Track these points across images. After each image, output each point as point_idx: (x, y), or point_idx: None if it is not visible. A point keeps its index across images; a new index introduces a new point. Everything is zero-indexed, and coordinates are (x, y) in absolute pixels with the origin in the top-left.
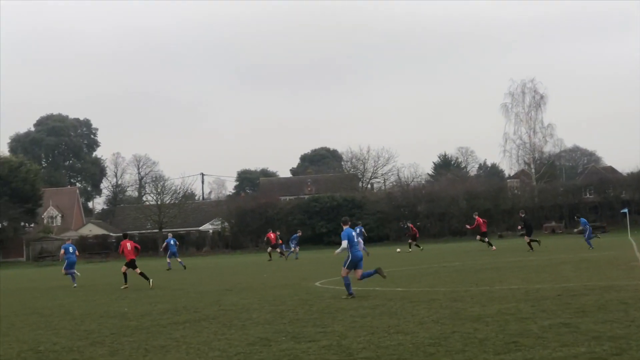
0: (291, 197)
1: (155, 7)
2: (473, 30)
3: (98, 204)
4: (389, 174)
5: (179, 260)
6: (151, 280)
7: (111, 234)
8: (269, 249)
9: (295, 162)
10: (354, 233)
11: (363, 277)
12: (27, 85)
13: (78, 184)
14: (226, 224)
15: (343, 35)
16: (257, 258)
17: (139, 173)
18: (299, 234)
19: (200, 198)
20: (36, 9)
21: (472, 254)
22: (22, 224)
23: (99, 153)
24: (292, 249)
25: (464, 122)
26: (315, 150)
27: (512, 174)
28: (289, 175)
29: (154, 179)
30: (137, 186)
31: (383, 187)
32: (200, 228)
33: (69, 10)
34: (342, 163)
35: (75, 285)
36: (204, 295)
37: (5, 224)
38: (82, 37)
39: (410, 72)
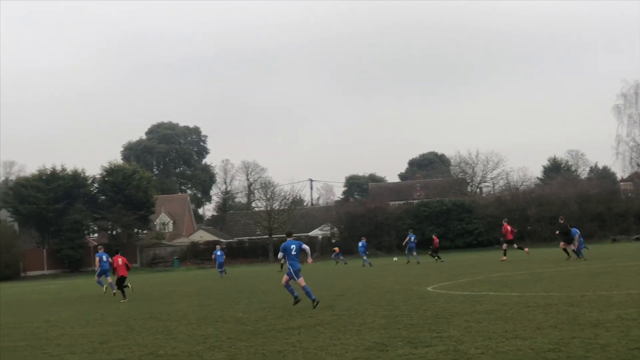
0: (400, 202)
1: (262, 13)
2: (581, 30)
3: (208, 210)
4: (498, 177)
5: (220, 270)
6: (126, 299)
7: (222, 240)
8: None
9: (403, 167)
10: (292, 246)
11: (304, 289)
12: (138, 94)
13: (188, 191)
14: (335, 229)
15: (450, 38)
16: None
17: (247, 179)
18: (364, 240)
19: (309, 204)
20: (144, 16)
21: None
22: (136, 230)
23: (208, 160)
24: (364, 257)
25: (574, 124)
26: (423, 154)
27: (625, 176)
28: (397, 180)
29: (263, 185)
30: (247, 192)
31: (492, 191)
32: (310, 234)
33: (176, 18)
34: (451, 167)
35: (105, 290)
36: None
37: (119, 230)
38: (189, 44)
39: (518, 74)
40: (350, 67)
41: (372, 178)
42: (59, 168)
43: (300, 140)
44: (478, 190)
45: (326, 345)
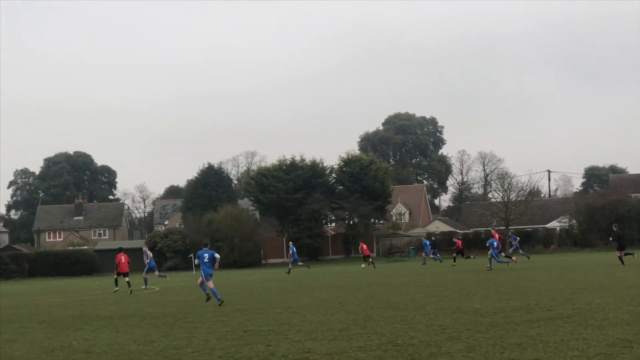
0: None
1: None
2: None
3: (444, 201)
4: None
5: (298, 263)
6: (131, 289)
7: (458, 230)
8: (369, 259)
9: None
10: (205, 255)
11: (212, 290)
12: (375, 84)
13: (424, 182)
14: (574, 221)
15: None
16: (608, 257)
17: (484, 170)
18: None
19: (547, 195)
20: (380, 6)
21: None
22: (373, 220)
23: (444, 151)
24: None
25: None
26: None
27: None
28: None
29: (499, 175)
30: (483, 183)
31: None
32: (547, 225)
33: (408, 8)
34: None
35: (144, 287)
36: (555, 293)
37: (356, 220)
38: (421, 34)
39: None
40: (590, 56)
41: (613, 169)
42: (298, 158)
43: (538, 130)
44: None
45: (567, 340)
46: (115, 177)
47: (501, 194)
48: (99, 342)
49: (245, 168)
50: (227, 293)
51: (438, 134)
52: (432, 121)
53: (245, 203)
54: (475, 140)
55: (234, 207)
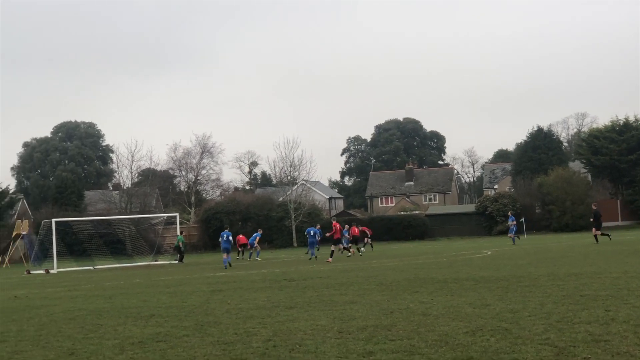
0: None
1: None
2: None
3: None
4: None
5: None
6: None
7: None
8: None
9: None
10: (225, 234)
11: (226, 259)
12: None
13: None
14: None
15: None
16: None
17: None
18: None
19: None
20: None
21: None
22: None
23: None
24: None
25: None
26: None
27: None
28: None
29: None
30: None
31: None
32: None
33: None
34: None
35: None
36: None
37: None
38: None
39: None
40: None
41: None
42: (632, 118)
43: None
44: None
45: None
46: (444, 142)
47: None
48: (435, 304)
49: (575, 130)
50: (559, 257)
51: None
52: None
53: (576, 165)
54: None
55: (564, 170)
